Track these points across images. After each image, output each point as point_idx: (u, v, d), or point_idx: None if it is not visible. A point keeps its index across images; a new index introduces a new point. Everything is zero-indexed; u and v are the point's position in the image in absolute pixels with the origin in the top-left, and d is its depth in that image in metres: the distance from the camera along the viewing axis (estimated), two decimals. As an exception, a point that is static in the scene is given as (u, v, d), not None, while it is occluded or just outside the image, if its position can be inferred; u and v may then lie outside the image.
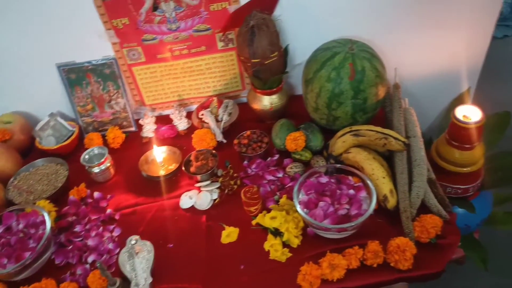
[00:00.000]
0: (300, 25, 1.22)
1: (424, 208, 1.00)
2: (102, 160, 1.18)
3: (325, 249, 0.95)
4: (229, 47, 1.23)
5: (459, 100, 1.44)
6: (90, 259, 1.01)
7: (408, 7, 1.21)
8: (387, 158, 1.09)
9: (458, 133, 1.21)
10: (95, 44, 1.22)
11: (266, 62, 1.13)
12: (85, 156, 1.20)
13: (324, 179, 1.02)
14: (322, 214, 0.94)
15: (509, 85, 2.40)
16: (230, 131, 1.27)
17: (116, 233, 1.07)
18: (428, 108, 1.50)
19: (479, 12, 1.25)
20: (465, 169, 1.25)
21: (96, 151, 1.22)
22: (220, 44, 1.22)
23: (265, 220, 0.99)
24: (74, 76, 1.25)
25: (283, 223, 0.98)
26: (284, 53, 1.21)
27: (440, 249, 0.93)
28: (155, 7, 1.08)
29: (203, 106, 1.29)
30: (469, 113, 1.20)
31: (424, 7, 1.22)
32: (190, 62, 1.25)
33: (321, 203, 0.96)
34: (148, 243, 1.00)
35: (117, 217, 1.11)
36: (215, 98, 1.27)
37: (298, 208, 0.94)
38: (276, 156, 1.19)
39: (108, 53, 1.23)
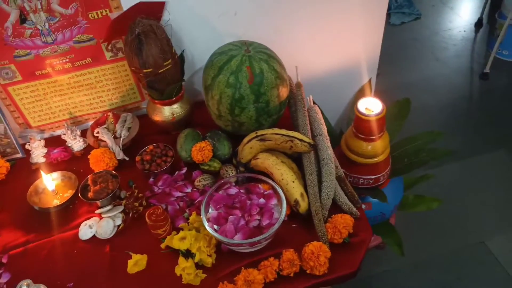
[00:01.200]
0: (193, 29, 1.16)
1: (335, 207, 0.99)
2: (-19, 197, 1.02)
3: (241, 264, 0.90)
4: (119, 56, 1.12)
5: (361, 92, 1.48)
6: (-28, 317, 0.87)
7: (298, 3, 1.20)
8: (297, 159, 1.07)
9: (362, 126, 1.23)
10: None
11: (160, 71, 1.05)
12: (-42, 195, 1.03)
13: (233, 190, 0.97)
14: (233, 229, 0.89)
15: (408, 69, 2.55)
16: (131, 148, 1.17)
17: (4, 279, 0.93)
18: (334, 102, 1.53)
19: (369, 4, 1.27)
20: (373, 159, 1.28)
21: (-28, 188, 1.05)
22: (108, 55, 1.11)
23: (174, 242, 0.92)
24: None
25: (193, 243, 0.91)
26: (181, 60, 1.14)
27: (353, 248, 0.93)
28: (23, 19, 0.94)
29: (98, 123, 1.17)
30: (371, 105, 1.23)
31: (315, 2, 1.21)
32: (76, 76, 1.13)
33: (230, 217, 0.91)
34: (42, 286, 0.88)
35: (4, 260, 0.96)
36: (110, 113, 1.16)
37: (207, 225, 0.88)
38: (184, 170, 1.12)
39: (-24, 73, 1.06)
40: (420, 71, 2.53)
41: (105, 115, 1.17)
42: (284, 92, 1.08)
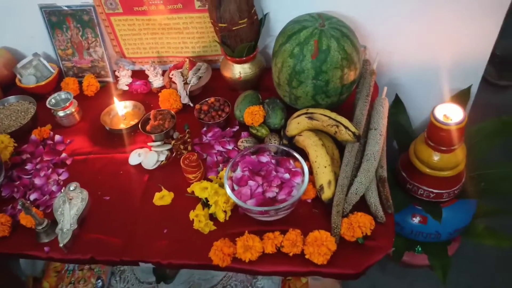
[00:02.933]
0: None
1: (365, 206, 0.94)
2: (67, 104, 1.20)
3: (250, 229, 0.92)
4: (207, 8, 1.18)
5: (457, 98, 1.32)
6: (32, 196, 1.05)
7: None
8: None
9: (435, 134, 1.12)
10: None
11: (234, 28, 1.08)
12: (51, 99, 1.22)
13: (264, 159, 0.98)
14: (249, 193, 0.91)
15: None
16: (200, 96, 1.24)
17: (63, 177, 1.10)
18: (423, 103, 1.39)
19: (488, 3, 1.11)
20: (440, 172, 1.17)
21: (63, 95, 1.24)
22: (197, 4, 1.17)
23: (197, 189, 0.98)
24: (55, 19, 1.27)
25: (212, 195, 0.95)
26: (260, 22, 1.15)
27: (366, 250, 0.88)
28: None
29: (176, 67, 1.26)
30: (451, 113, 1.10)
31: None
32: (167, 18, 1.22)
33: (250, 182, 0.93)
34: (85, 192, 1.02)
35: (68, 162, 1.14)
36: (187, 60, 1.24)
37: (225, 182, 0.91)
38: (236, 128, 1.16)
39: (87, -1, 1.23)
40: None
41: (183, 60, 1.25)
42: (350, 75, 1.03)
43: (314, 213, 0.95)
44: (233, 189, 0.92)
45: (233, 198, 0.89)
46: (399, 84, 1.33)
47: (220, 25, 1.08)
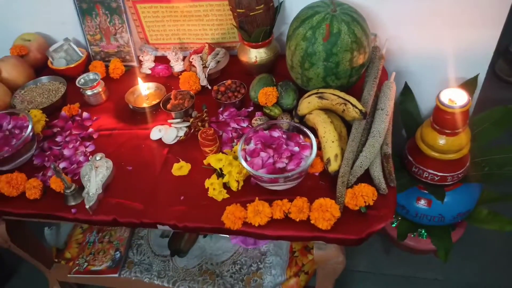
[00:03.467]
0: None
1: (370, 179, 1.00)
2: (95, 84, 1.29)
3: (261, 197, 0.99)
4: (226, -4, 1.26)
5: (465, 87, 1.36)
6: (61, 165, 1.14)
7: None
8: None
9: (441, 117, 1.18)
10: (107, -23, 1.32)
11: (251, 13, 1.16)
12: (80, 79, 1.32)
13: (276, 133, 1.05)
14: (261, 163, 0.98)
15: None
16: (218, 79, 1.32)
17: (90, 148, 1.19)
18: (432, 90, 1.43)
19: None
20: (444, 155, 1.22)
21: (91, 76, 1.33)
22: (217, -8, 1.26)
23: (212, 160, 1.05)
24: (85, 5, 1.36)
25: (226, 166, 1.03)
26: (276, 9, 1.22)
27: (368, 218, 0.94)
28: None
29: (196, 52, 1.34)
30: (456, 97, 1.15)
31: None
32: (189, 6, 1.31)
33: (262, 153, 1.00)
34: (110, 162, 1.11)
35: (95, 136, 1.23)
36: (207, 45, 1.32)
37: (239, 152, 0.99)
38: (251, 108, 1.23)
39: (116, -12, 1.32)
40: None
41: (203, 45, 1.33)
42: (359, 58, 1.09)
43: (321, 185, 1.02)
44: (246, 160, 1.00)
45: (245, 166, 0.96)
46: (408, 72, 1.38)
47: (238, 10, 1.16)
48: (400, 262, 1.59)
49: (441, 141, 1.19)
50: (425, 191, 1.30)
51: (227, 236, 1.47)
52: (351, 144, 1.01)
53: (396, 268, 1.57)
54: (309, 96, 1.10)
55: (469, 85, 1.35)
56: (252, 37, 1.22)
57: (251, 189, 1.03)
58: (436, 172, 1.24)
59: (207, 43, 1.34)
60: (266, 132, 1.05)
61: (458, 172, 1.24)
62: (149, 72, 1.41)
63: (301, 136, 1.03)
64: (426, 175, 1.26)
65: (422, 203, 1.32)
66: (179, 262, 1.43)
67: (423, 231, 1.41)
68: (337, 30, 1.05)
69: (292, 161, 0.98)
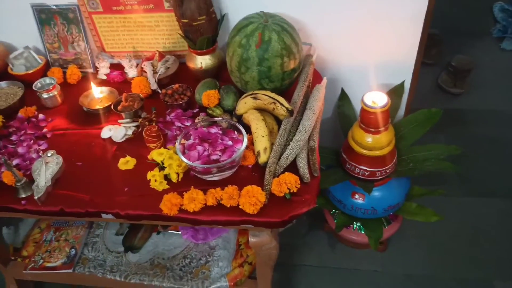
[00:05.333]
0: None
1: (297, 170, 1.11)
2: (50, 88, 1.38)
3: (198, 188, 1.09)
4: (174, 8, 1.37)
5: (393, 93, 1.51)
6: (15, 162, 1.21)
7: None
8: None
9: (365, 116, 1.30)
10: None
11: (194, 23, 1.27)
12: (37, 83, 1.41)
13: (214, 130, 1.16)
14: (197, 156, 1.09)
15: (502, 98, 2.35)
16: (168, 84, 1.42)
17: (43, 147, 1.27)
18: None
19: (409, 5, 1.31)
20: (371, 152, 1.34)
21: (47, 80, 1.42)
22: (166, 4, 1.37)
23: (154, 154, 1.15)
24: (44, 16, 1.46)
25: (167, 159, 1.12)
26: (219, 20, 1.35)
27: (292, 204, 1.04)
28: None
29: (148, 59, 1.45)
30: (378, 99, 1.29)
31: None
32: (141, 17, 1.42)
33: (198, 147, 1.10)
34: (60, 158, 1.19)
35: (49, 135, 1.31)
36: (157, 52, 1.43)
37: (177, 146, 1.09)
38: (196, 110, 1.34)
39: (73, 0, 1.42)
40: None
41: (154, 53, 1.44)
42: (289, 64, 1.21)
43: (253, 176, 1.12)
44: (183, 153, 1.10)
45: (182, 158, 1.06)
46: (344, 79, 1.52)
47: (182, 20, 1.28)
48: (344, 256, 1.70)
49: (368, 139, 1.32)
50: (356, 186, 1.42)
51: (179, 232, 1.55)
52: (279, 139, 1.12)
53: (340, 261, 1.68)
54: (245, 97, 1.22)
55: (397, 90, 1.50)
56: (197, 45, 1.33)
57: (190, 181, 1.12)
58: (366, 168, 1.37)
59: (157, 51, 1.45)
60: (205, 129, 1.16)
61: (386, 167, 1.37)
62: (104, 77, 1.51)
63: (235, 133, 1.15)
64: (358, 171, 1.39)
65: (356, 198, 1.44)
66: (132, 258, 1.50)
67: (358, 224, 1.53)
68: (268, 38, 1.18)
69: (225, 153, 1.09)
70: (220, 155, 1.09)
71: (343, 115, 1.54)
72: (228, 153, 1.09)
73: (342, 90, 1.54)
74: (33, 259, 1.51)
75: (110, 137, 1.28)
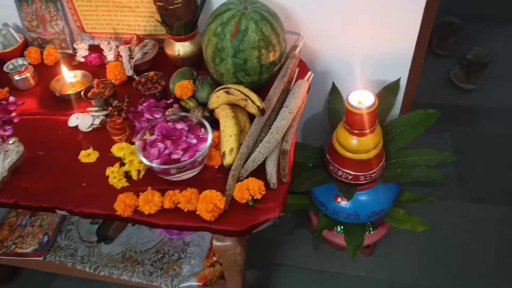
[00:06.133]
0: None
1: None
2: (22, 69, 1.32)
3: (159, 187, 1.02)
4: (153, -12, 1.27)
5: (389, 89, 1.39)
6: (-24, 147, 1.17)
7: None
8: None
9: (350, 117, 1.20)
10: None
11: (170, 7, 1.18)
12: (9, 64, 1.34)
13: (179, 126, 1.07)
14: (156, 154, 1.01)
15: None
16: (147, 70, 1.33)
17: (8, 132, 1.21)
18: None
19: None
20: (356, 155, 1.24)
21: (20, 61, 1.36)
22: (144, -16, 1.28)
23: (114, 148, 1.08)
24: (20, -8, 1.39)
25: (127, 155, 1.05)
26: (200, 4, 1.24)
27: (253, 212, 0.96)
28: None
29: (126, 42, 1.37)
30: (364, 99, 1.18)
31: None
32: (119, -3, 1.33)
33: (160, 144, 1.02)
34: (21, 146, 1.13)
35: (16, 120, 1.25)
36: (135, 36, 1.35)
37: (136, 142, 1.01)
38: (170, 100, 1.25)
39: (50, -25, 1.34)
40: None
41: (132, 36, 1.36)
42: (268, 56, 1.11)
43: (218, 177, 1.04)
44: (144, 150, 1.02)
45: (139, 155, 0.99)
46: (335, 72, 1.41)
47: (158, 3, 1.18)
48: (328, 258, 1.62)
49: (353, 141, 1.22)
50: (339, 191, 1.33)
51: (155, 225, 1.50)
52: (247, 140, 1.03)
53: (323, 263, 1.60)
54: (218, 90, 1.13)
55: (393, 87, 1.38)
56: (174, 31, 1.24)
57: (152, 179, 1.05)
58: (349, 171, 1.27)
59: (136, 34, 1.37)
60: (171, 124, 1.08)
61: (371, 172, 1.27)
62: (82, 60, 1.43)
63: (202, 129, 1.06)
64: (341, 174, 1.29)
65: (339, 201, 1.35)
66: (104, 249, 1.46)
67: (339, 227, 1.44)
68: (245, 28, 1.07)
69: (188, 152, 1.01)
70: (181, 155, 1.01)
71: (333, 111, 1.43)
72: (191, 152, 1.01)
73: (333, 84, 1.43)
74: (5, 243, 1.48)
75: (77, 126, 1.21)
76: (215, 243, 1.09)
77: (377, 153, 1.23)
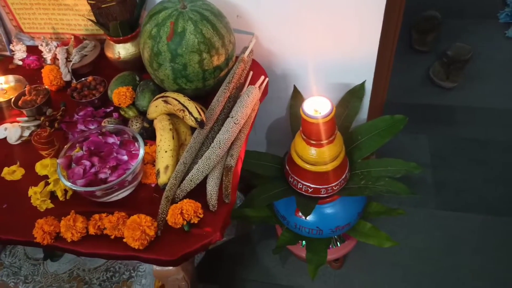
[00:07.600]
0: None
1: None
2: None
3: (89, 209, 0.91)
4: (89, -16, 1.15)
5: (354, 93, 1.28)
6: None
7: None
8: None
9: (305, 127, 1.09)
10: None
11: (103, 6, 1.06)
12: None
13: (111, 139, 0.96)
14: (81, 173, 0.90)
15: (500, 93, 2.08)
16: (88, 75, 1.21)
17: None
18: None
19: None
20: (315, 167, 1.14)
21: None
22: (80, -20, 1.15)
23: (38, 166, 0.96)
24: None
25: (53, 173, 0.94)
26: (139, 2, 1.12)
27: (189, 238, 0.86)
28: None
29: (64, 44, 1.24)
30: (321, 107, 1.07)
31: None
32: (54, -6, 1.20)
33: (85, 161, 0.91)
34: None
35: None
36: (73, 37, 1.23)
37: (58, 161, 0.90)
38: (110, 109, 1.14)
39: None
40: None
41: (71, 37, 1.23)
42: (212, 60, 1.00)
43: (154, 197, 0.93)
44: (69, 168, 0.91)
45: (59, 175, 0.88)
46: (296, 75, 1.29)
47: (89, 2, 1.06)
48: (295, 272, 1.52)
49: (312, 151, 1.11)
50: (297, 206, 1.22)
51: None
52: (185, 155, 0.92)
53: (289, 278, 1.51)
54: (157, 99, 1.01)
55: (358, 91, 1.27)
56: (110, 31, 1.12)
57: (80, 200, 0.94)
58: (309, 184, 1.17)
59: (73, 34, 1.24)
60: (101, 137, 0.96)
61: (332, 185, 1.16)
62: (19, 63, 1.31)
63: (136, 144, 0.95)
64: (301, 186, 1.19)
65: (300, 215, 1.25)
66: (50, 267, 1.35)
67: (303, 243, 1.34)
68: (182, 29, 0.96)
69: (117, 171, 0.90)
70: (109, 174, 0.90)
71: (295, 116, 1.32)
72: (120, 171, 0.90)
73: (295, 87, 1.32)
74: None
75: (5, 138, 1.09)
76: (154, 268, 0.98)
77: (339, 164, 1.13)
